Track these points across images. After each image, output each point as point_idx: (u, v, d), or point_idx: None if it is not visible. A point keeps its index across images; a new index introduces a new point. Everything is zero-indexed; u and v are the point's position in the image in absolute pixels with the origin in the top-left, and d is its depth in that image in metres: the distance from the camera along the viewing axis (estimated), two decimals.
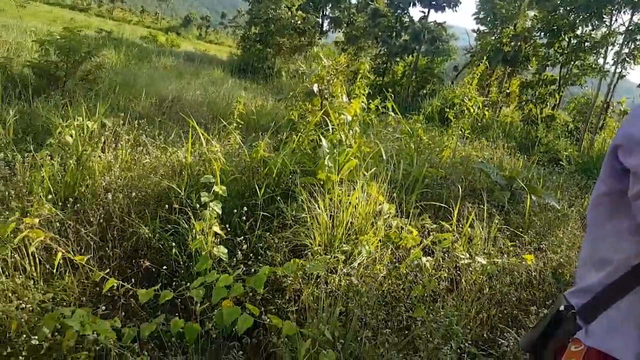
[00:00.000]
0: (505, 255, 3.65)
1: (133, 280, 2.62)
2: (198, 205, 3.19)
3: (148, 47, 17.79)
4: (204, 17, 49.69)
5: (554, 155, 10.40)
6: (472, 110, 6.49)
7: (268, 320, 2.25)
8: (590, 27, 13.83)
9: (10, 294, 2.30)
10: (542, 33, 14.49)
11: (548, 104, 14.19)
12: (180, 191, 3.38)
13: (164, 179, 3.70)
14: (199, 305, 2.37)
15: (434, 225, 3.88)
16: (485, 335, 2.72)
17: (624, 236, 1.13)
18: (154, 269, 2.80)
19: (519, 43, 14.60)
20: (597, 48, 13.57)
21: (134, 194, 3.36)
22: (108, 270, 2.67)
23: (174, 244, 2.90)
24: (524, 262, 3.52)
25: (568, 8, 13.57)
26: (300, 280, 2.61)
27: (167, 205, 3.24)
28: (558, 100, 14.24)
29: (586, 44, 13.69)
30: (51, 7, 29.51)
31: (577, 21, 13.71)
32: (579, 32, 13.95)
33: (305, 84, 4.93)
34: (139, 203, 3.41)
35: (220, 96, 9.34)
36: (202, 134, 4.17)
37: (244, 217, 3.30)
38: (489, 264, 3.36)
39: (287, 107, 5.32)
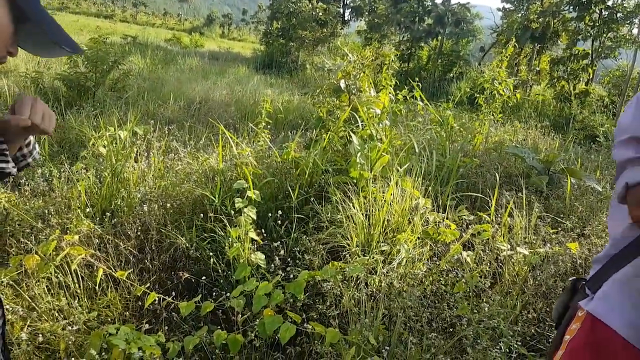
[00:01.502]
0: (548, 244, 3.55)
1: (174, 292, 2.65)
2: (233, 212, 3.20)
3: (173, 49, 17.99)
4: (225, 15, 49.93)
5: (590, 132, 10.05)
6: (503, 93, 6.32)
7: (311, 327, 2.23)
8: None
9: (57, 314, 2.34)
10: (571, 7, 13.98)
11: (581, 79, 13.69)
12: (214, 198, 3.39)
13: (197, 186, 3.71)
14: (240, 315, 2.37)
15: (472, 217, 3.79)
16: (533, 331, 2.64)
17: (624, 215, 1.20)
18: (193, 280, 2.81)
19: (547, 19, 14.13)
20: (630, 18, 13.01)
21: (168, 204, 3.38)
22: (148, 284, 2.70)
23: (211, 253, 2.91)
24: (568, 251, 3.40)
25: None
26: (340, 284, 2.58)
27: (202, 214, 3.25)
28: (591, 74, 13.73)
29: (618, 14, 13.13)
30: (77, 16, 30.15)
31: None
32: (610, 2, 13.40)
33: (332, 80, 4.88)
34: (174, 212, 3.43)
35: (247, 94, 9.36)
36: (232, 138, 4.17)
37: (279, 221, 3.29)
38: (532, 254, 3.27)
39: (314, 104, 5.27)
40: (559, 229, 3.91)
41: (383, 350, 2.09)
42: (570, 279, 1.44)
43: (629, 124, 1.21)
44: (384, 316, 2.45)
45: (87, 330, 2.31)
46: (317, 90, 5.33)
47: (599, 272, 1.31)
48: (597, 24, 13.23)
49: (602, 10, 13.38)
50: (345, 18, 22.82)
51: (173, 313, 2.54)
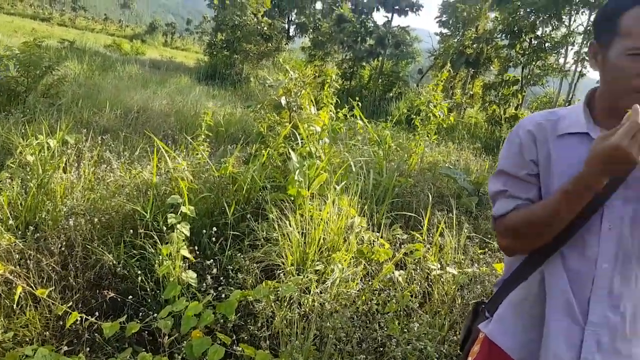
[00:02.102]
0: (476, 264, 3.68)
1: (97, 312, 2.53)
2: (165, 228, 3.11)
3: (112, 55, 17.41)
4: (169, 23, 48.95)
5: None
6: (437, 116, 6.56)
7: (240, 349, 2.19)
8: (550, 28, 14.18)
9: None
10: (503, 35, 14.79)
11: (511, 104, 14.47)
12: (145, 214, 3.29)
13: (129, 200, 3.59)
14: (167, 337, 2.30)
15: (405, 236, 3.89)
16: (459, 351, 2.71)
17: None
18: (119, 299, 2.70)
19: (480, 45, 14.87)
20: (557, 48, 13.93)
21: (96, 219, 3.25)
22: (71, 302, 2.56)
23: (139, 271, 2.81)
24: (494, 271, 3.55)
25: (528, 9, 13.88)
26: (273, 304, 2.56)
27: (132, 230, 3.14)
28: (521, 100, 14.54)
29: (546, 44, 14.03)
30: (12, 17, 28.56)
31: (537, 22, 14.03)
32: (539, 32, 14.29)
33: (273, 96, 4.89)
34: (103, 228, 3.30)
35: (188, 105, 9.19)
36: (168, 151, 4.08)
37: (214, 238, 3.23)
38: (460, 274, 3.38)
39: (255, 118, 5.25)
40: (487, 249, 4.07)
41: None
42: (472, 302, 1.55)
43: (500, 158, 1.33)
44: (316, 337, 2.45)
45: (1, 352, 2.16)
46: (259, 106, 5.33)
47: (495, 295, 1.38)
48: (527, 53, 14.06)
49: (532, 40, 14.24)
50: (291, 34, 23.00)
51: (96, 334, 2.43)
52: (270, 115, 4.89)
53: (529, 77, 14.25)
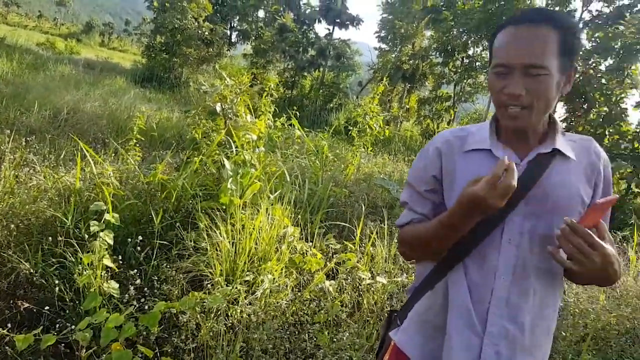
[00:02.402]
0: (405, 274, 3.76)
1: (10, 323, 2.37)
2: (87, 236, 2.97)
3: (44, 54, 16.54)
4: (107, 23, 47.18)
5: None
6: (373, 128, 6.69)
7: None
8: (480, 48, 14.88)
9: None
10: (438, 52, 15.37)
11: (444, 119, 15.03)
12: (66, 220, 3.12)
13: (50, 205, 3.40)
14: (85, 350, 2.19)
15: (338, 246, 3.92)
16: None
17: None
18: (35, 310, 2.54)
19: (417, 61, 15.36)
20: (487, 67, 14.60)
21: (13, 224, 3.05)
22: None
23: (58, 280, 2.66)
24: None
25: (461, 29, 14.50)
26: (199, 315, 2.49)
27: (51, 237, 2.97)
28: (453, 115, 15.14)
29: (477, 63, 14.70)
30: None
31: (469, 42, 14.69)
32: (470, 52, 14.96)
33: (208, 102, 4.81)
34: (20, 234, 3.10)
35: (121, 108, 8.87)
36: (94, 156, 3.91)
37: (139, 247, 3.12)
38: (390, 283, 3.44)
39: (189, 124, 5.14)
40: None
41: None
42: (387, 310, 1.61)
43: (410, 170, 1.40)
44: (242, 349, 2.40)
45: None
46: (194, 111, 5.22)
47: (406, 303, 1.41)
48: (459, 71, 14.67)
49: (464, 59, 14.88)
50: (232, 40, 22.79)
51: (7, 347, 2.27)
52: (205, 122, 4.80)
53: (460, 94, 14.87)
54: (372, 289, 3.39)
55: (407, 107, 16.22)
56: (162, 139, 7.28)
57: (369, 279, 3.44)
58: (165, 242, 3.31)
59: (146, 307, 2.50)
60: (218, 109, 4.44)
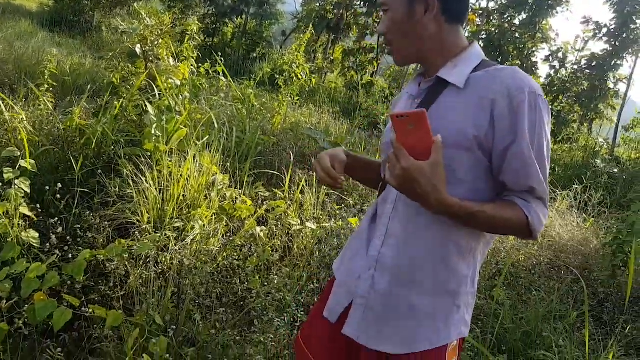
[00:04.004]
0: (333, 219, 3.85)
1: None
2: (1, 184, 2.75)
3: None
4: None
5: (373, 120, 11.19)
6: (300, 77, 6.62)
7: (90, 311, 2.05)
8: None
9: None
10: (362, 2, 15.27)
11: (367, 71, 15.12)
12: None
13: None
14: (5, 301, 2.07)
15: (268, 194, 3.92)
16: (316, 299, 2.84)
17: None
18: None
19: (341, 11, 15.20)
20: None
21: None
22: None
23: None
24: (349, 225, 3.75)
25: None
26: (127, 263, 2.42)
27: None
28: (376, 67, 15.26)
29: None
30: None
31: None
32: None
33: (127, 44, 4.52)
34: None
35: (28, 52, 8.12)
36: (4, 99, 3.58)
37: (59, 195, 2.94)
38: (318, 229, 3.52)
39: (106, 68, 4.82)
40: (343, 205, 4.27)
41: (169, 329, 2.03)
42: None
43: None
44: (174, 294, 2.38)
45: None
46: (110, 54, 4.90)
47: None
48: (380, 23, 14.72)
49: None
50: None
51: None
52: (123, 65, 4.52)
53: (383, 45, 14.98)
54: (302, 234, 3.44)
55: (332, 58, 16.12)
56: (75, 86, 6.79)
57: (298, 224, 3.50)
58: (86, 190, 3.15)
59: (70, 256, 2.38)
60: (138, 50, 4.18)
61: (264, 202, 3.68)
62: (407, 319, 1.19)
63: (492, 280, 3.69)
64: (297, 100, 7.79)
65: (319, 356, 1.35)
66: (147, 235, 2.72)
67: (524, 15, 9.55)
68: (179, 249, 2.65)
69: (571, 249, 4.62)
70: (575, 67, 10.60)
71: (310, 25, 9.64)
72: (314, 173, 1.48)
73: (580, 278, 3.51)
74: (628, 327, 3.32)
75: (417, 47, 1.23)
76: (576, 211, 5.74)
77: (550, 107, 10.09)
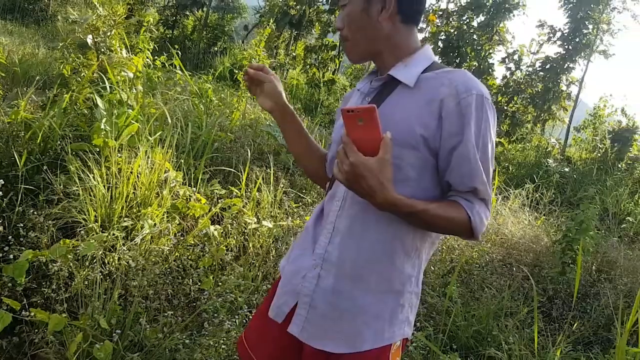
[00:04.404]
0: (290, 217, 3.82)
1: None
2: None
3: None
4: None
5: (333, 117, 11.21)
6: None
7: (31, 315, 1.96)
8: None
9: None
10: None
11: (329, 68, 15.14)
12: None
13: None
14: None
15: (224, 191, 3.85)
16: None
17: None
18: None
19: (303, 7, 15.14)
20: None
21: None
22: None
23: None
24: (306, 223, 3.73)
25: None
26: (72, 264, 2.32)
27: None
28: (338, 65, 15.29)
29: None
30: None
31: None
32: None
33: (78, 34, 4.34)
34: None
35: None
36: None
37: (1, 192, 2.80)
38: (275, 227, 3.48)
39: (57, 59, 4.63)
40: (301, 203, 4.25)
41: (115, 334, 1.96)
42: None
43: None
44: (121, 297, 2.30)
45: None
46: (61, 44, 4.70)
47: None
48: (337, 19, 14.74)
49: None
50: None
51: None
52: (74, 56, 4.34)
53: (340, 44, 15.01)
54: (258, 233, 3.40)
55: (294, 55, 16.05)
56: (26, 77, 6.50)
57: (254, 223, 3.45)
58: (31, 187, 3.01)
59: (11, 257, 2.27)
60: (89, 41, 4.03)
61: (220, 200, 3.61)
62: (351, 317, 1.19)
63: (445, 277, 3.75)
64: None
65: (264, 357, 1.34)
66: (93, 234, 2.62)
67: (482, 18, 9.76)
68: (128, 249, 2.57)
69: (523, 247, 4.75)
70: (530, 69, 10.92)
71: (272, 20, 9.57)
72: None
73: (527, 276, 3.61)
74: (576, 323, 3.44)
75: (371, 44, 1.24)
76: (528, 209, 5.92)
77: (505, 107, 10.41)
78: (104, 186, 2.88)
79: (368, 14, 1.20)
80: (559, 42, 10.82)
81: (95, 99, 3.56)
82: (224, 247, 3.04)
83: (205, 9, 17.33)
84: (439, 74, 1.17)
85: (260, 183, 3.90)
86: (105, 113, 3.38)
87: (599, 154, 10.60)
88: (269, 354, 1.34)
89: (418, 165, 1.14)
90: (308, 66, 14.92)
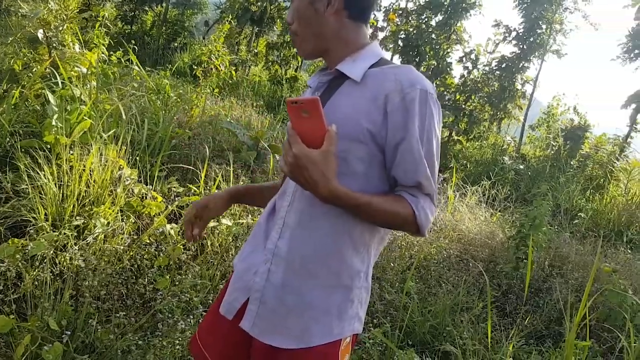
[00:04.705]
0: (250, 215, 3.80)
1: None
2: None
3: None
4: None
5: None
6: (219, 68, 6.48)
7: None
8: None
9: None
10: None
11: (292, 65, 15.11)
12: None
13: None
14: None
15: (181, 189, 3.79)
16: None
17: None
18: None
19: (265, 4, 15.06)
20: None
21: None
22: None
23: None
24: (258, 219, 3.71)
25: None
26: (20, 264, 2.24)
27: None
28: (300, 62, 15.28)
29: None
30: None
31: None
32: None
33: (29, 28, 4.19)
34: None
35: None
36: None
37: None
38: (234, 225, 3.45)
39: (7, 54, 4.45)
40: None
41: (64, 335, 1.91)
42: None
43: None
44: (72, 297, 2.24)
45: None
46: (10, 39, 4.52)
47: None
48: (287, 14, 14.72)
49: None
50: None
51: None
52: (25, 51, 4.19)
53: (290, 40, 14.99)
54: (217, 231, 3.37)
55: (256, 51, 15.94)
56: None
57: (213, 221, 3.41)
58: None
59: None
60: (40, 36, 3.90)
61: (177, 198, 3.56)
62: (300, 312, 1.19)
63: (404, 273, 3.80)
64: (218, 92, 7.62)
65: (215, 354, 1.33)
66: (44, 234, 2.54)
67: (440, 17, 9.93)
68: (79, 249, 2.50)
69: (479, 242, 4.87)
70: (487, 68, 11.18)
71: (232, 16, 9.47)
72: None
73: (482, 272, 3.70)
74: (528, 317, 3.55)
75: (319, 40, 1.25)
76: (484, 206, 6.07)
77: (463, 106, 10.62)
78: (55, 184, 2.80)
79: (315, 9, 1.21)
80: (514, 42, 11.11)
81: (47, 94, 3.44)
82: (181, 246, 3.00)
83: (164, 4, 17.01)
84: (384, 69, 1.18)
85: (219, 181, 3.86)
86: (57, 109, 3.27)
87: (552, 152, 10.96)
88: (219, 351, 1.33)
89: (366, 160, 1.15)
90: (270, 63, 14.86)
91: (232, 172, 4.12)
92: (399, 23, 10.08)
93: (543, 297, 4.01)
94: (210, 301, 2.56)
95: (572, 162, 10.21)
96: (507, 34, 11.12)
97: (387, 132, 1.13)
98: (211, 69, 6.71)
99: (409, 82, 1.13)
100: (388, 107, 1.12)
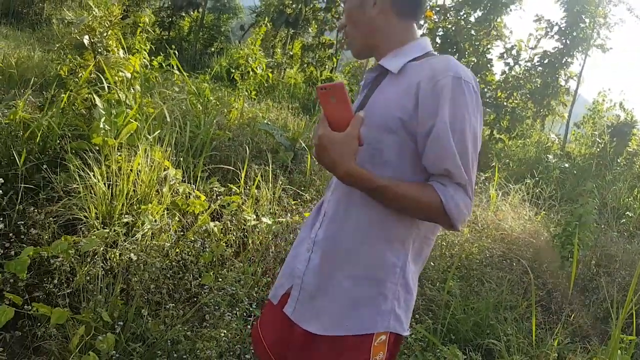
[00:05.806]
0: (289, 214, 3.84)
1: None
2: None
3: None
4: None
5: None
6: (257, 71, 6.56)
7: (34, 309, 1.97)
8: None
9: None
10: None
11: (327, 67, 15.14)
12: None
13: None
14: None
15: (223, 189, 3.87)
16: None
17: None
18: None
19: (300, 6, 15.14)
20: None
21: None
22: None
23: None
24: (305, 220, 3.74)
25: None
26: (73, 259, 2.34)
27: None
28: (335, 63, 15.30)
29: None
30: None
31: None
32: None
33: (75, 35, 4.36)
34: None
35: None
36: None
37: (1, 191, 2.81)
38: (274, 223, 3.50)
39: (53, 60, 4.65)
40: (299, 200, 4.27)
41: (117, 326, 1.97)
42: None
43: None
44: (123, 291, 2.32)
45: None
46: (57, 45, 4.72)
47: None
48: (341, 17, 14.75)
49: None
50: None
51: None
52: (71, 57, 4.36)
53: (342, 41, 15.02)
54: (257, 229, 3.42)
55: (291, 53, 16.05)
56: (22, 79, 6.51)
57: (253, 220, 3.46)
58: (31, 186, 3.03)
59: (12, 254, 2.29)
60: (86, 42, 4.04)
61: (219, 198, 3.63)
62: (334, 299, 1.21)
63: (445, 272, 3.76)
64: (255, 95, 7.72)
65: (268, 338, 1.39)
66: (95, 231, 2.64)
67: (479, 13, 9.74)
68: (129, 245, 2.58)
69: (523, 242, 4.77)
70: (529, 64, 10.89)
71: (267, 19, 9.57)
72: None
73: (527, 269, 3.62)
74: (573, 315, 3.45)
75: (367, 38, 1.29)
76: (528, 205, 5.93)
77: (505, 103, 10.39)
78: (104, 184, 2.90)
79: (363, 10, 1.25)
80: (556, 37, 10.77)
81: (94, 98, 3.57)
82: (224, 244, 3.06)
83: (200, 9, 17.34)
84: (424, 61, 1.19)
85: (258, 180, 3.92)
86: (104, 112, 3.39)
87: (598, 149, 10.60)
88: (270, 335, 1.38)
89: (397, 149, 1.15)
90: (305, 65, 14.93)
91: (270, 172, 4.17)
92: (436, 20, 9.97)
93: (589, 295, 3.90)
94: (255, 295, 2.60)
95: (619, 160, 9.85)
96: (549, 29, 10.82)
97: (418, 120, 1.12)
98: (248, 72, 6.80)
99: (442, 69, 1.12)
100: (420, 94, 1.12)
